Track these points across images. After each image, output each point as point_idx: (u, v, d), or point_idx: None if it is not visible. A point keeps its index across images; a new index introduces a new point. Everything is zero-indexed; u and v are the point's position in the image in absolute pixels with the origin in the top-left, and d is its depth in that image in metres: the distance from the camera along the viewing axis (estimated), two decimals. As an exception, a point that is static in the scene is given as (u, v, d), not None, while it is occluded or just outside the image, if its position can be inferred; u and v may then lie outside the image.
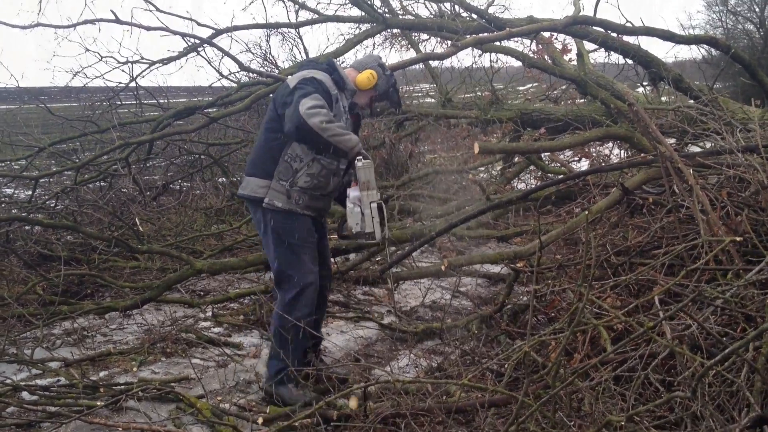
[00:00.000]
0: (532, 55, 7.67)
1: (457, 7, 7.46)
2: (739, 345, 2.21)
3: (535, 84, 10.55)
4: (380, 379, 3.26)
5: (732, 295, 2.80)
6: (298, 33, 9.08)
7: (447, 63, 9.16)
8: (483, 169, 8.24)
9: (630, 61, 6.97)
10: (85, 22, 6.59)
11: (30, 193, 6.56)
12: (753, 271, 2.87)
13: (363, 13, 7.24)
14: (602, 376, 2.65)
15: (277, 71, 8.19)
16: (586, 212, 3.83)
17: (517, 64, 7.91)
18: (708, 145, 4.82)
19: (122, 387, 3.56)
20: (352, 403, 2.98)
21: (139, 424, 3.11)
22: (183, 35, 6.72)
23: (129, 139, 6.83)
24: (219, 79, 7.80)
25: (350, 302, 5.32)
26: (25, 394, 3.55)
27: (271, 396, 3.67)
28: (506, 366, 3.20)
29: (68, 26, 6.71)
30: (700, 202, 3.42)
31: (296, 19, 7.91)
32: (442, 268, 4.41)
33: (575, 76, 7.00)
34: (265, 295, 4.86)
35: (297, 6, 7.77)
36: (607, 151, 7.68)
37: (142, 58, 7.05)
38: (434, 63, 8.78)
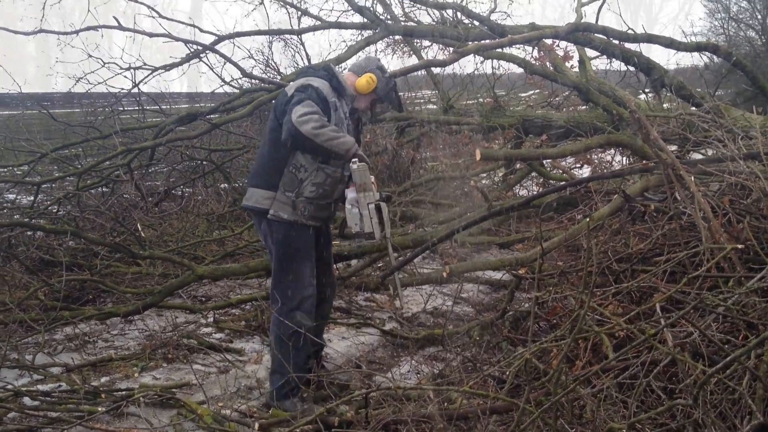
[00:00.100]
0: (534, 62, 7.67)
1: (459, 14, 7.48)
2: (740, 353, 2.20)
3: (536, 91, 10.56)
4: (381, 386, 3.26)
5: (734, 302, 2.80)
6: (301, 39, 9.09)
7: (449, 69, 9.17)
8: (485, 175, 8.24)
9: (632, 68, 6.98)
10: (88, 28, 6.62)
11: (32, 198, 6.56)
12: (755, 278, 2.87)
13: (365, 20, 7.28)
14: (604, 383, 2.65)
15: (279, 77, 8.22)
16: (588, 219, 3.82)
17: (519, 70, 7.90)
18: (710, 152, 4.83)
19: (123, 393, 3.55)
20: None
21: (141, 430, 3.11)
22: (186, 42, 6.76)
23: (131, 144, 6.83)
24: (221, 86, 7.78)
25: (352, 308, 5.32)
26: (26, 400, 3.54)
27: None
28: (508, 373, 3.19)
29: (71, 32, 6.76)
30: (701, 210, 3.42)
31: (299, 26, 7.96)
32: (444, 274, 4.41)
33: (577, 83, 7.01)
34: (266, 301, 4.85)
35: (299, 13, 7.81)
36: (608, 158, 7.69)
37: (145, 64, 7.06)
38: (436, 69, 8.78)
